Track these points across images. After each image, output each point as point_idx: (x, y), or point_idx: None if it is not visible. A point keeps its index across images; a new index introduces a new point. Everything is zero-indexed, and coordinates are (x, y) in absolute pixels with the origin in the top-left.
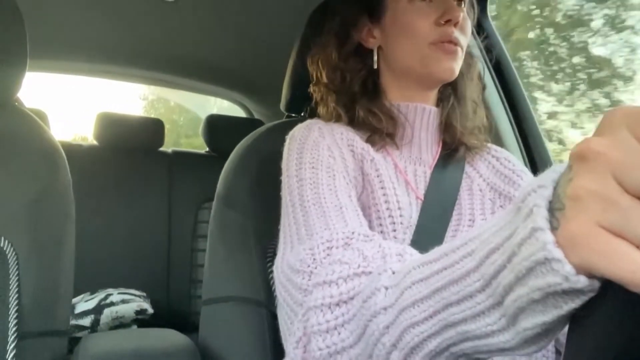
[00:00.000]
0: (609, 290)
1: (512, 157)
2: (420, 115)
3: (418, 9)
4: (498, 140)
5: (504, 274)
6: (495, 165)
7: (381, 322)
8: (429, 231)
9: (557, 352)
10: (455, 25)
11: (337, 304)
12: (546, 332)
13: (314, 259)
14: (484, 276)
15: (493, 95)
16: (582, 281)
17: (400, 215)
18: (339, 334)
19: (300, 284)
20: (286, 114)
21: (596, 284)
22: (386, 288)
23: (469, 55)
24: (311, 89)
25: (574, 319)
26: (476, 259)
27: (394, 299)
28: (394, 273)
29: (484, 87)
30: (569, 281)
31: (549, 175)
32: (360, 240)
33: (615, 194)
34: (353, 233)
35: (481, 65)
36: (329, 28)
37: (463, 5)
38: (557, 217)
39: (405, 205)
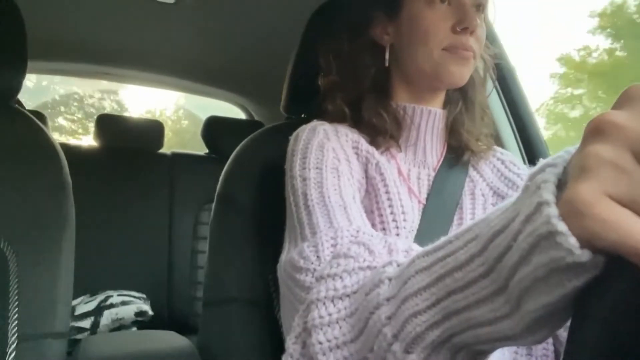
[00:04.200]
0: (613, 280)
1: (517, 161)
2: (425, 118)
3: (435, 13)
4: (498, 144)
5: (509, 256)
6: (500, 169)
7: (383, 313)
8: (431, 236)
9: (557, 351)
10: (471, 33)
11: (340, 298)
12: (549, 318)
13: (318, 257)
14: (488, 260)
15: (493, 97)
16: (586, 255)
17: (404, 220)
18: (340, 327)
19: (303, 281)
20: (286, 115)
21: (600, 259)
22: (389, 279)
23: (482, 60)
24: (320, 80)
25: (576, 311)
26: (480, 243)
27: (397, 289)
28: (398, 265)
29: None
30: (572, 255)
31: (560, 156)
32: (367, 236)
33: (630, 165)
34: (358, 231)
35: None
36: (342, 20)
37: (481, 12)
38: (564, 190)
39: (408, 209)
